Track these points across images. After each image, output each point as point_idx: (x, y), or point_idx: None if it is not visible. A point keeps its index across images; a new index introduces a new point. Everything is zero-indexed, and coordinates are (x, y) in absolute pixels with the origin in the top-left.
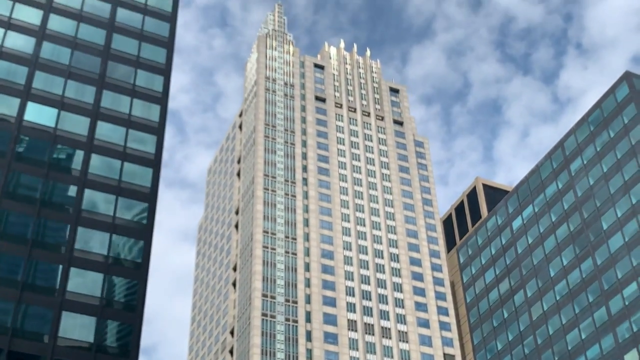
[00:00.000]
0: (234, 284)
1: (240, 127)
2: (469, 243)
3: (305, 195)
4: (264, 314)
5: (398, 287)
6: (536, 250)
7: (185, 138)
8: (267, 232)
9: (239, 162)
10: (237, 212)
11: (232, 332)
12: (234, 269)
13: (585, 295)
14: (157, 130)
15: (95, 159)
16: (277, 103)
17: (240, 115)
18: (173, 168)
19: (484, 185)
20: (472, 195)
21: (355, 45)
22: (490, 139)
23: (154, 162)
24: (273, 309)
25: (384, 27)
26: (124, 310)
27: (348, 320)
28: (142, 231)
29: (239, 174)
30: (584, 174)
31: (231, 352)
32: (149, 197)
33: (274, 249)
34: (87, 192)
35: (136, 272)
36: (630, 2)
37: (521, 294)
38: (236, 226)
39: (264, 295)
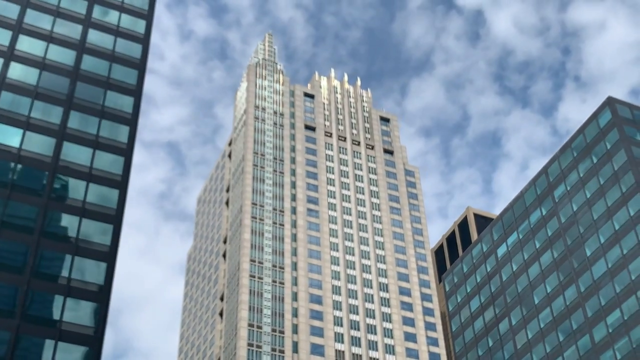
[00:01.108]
0: (221, 314)
1: (229, 155)
2: (454, 271)
3: (294, 224)
4: (250, 344)
5: (387, 317)
6: (520, 277)
7: (185, 170)
8: (255, 261)
9: (227, 190)
10: (225, 241)
11: None
12: (221, 299)
13: (569, 322)
14: (125, 151)
15: (61, 179)
16: (267, 132)
17: (230, 144)
18: (172, 200)
19: (475, 215)
20: (463, 224)
21: (345, 75)
22: (490, 172)
23: (121, 184)
24: (259, 339)
25: (383, 60)
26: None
27: (336, 350)
28: (106, 253)
29: (227, 203)
30: (568, 200)
31: None
32: (115, 218)
33: (261, 278)
34: (51, 213)
35: (99, 295)
36: (628, 36)
37: (506, 322)
38: (224, 255)
39: (250, 325)
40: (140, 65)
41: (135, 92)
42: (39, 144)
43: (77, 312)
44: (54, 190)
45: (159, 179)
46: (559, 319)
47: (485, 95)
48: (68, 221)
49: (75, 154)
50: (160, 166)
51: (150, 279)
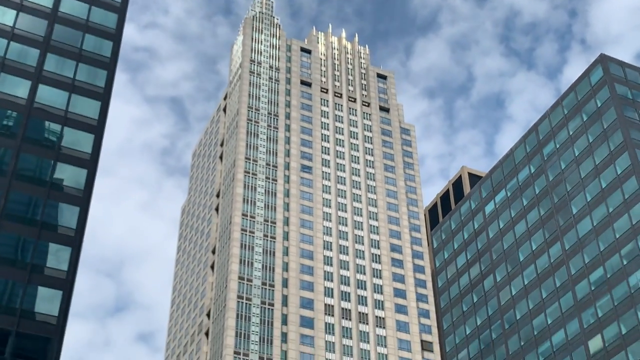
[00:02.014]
0: (212, 267)
1: (224, 110)
2: (442, 228)
3: (287, 180)
4: (240, 297)
5: (377, 274)
6: (507, 234)
7: (188, 126)
8: (247, 216)
9: (222, 145)
10: (218, 195)
11: (208, 315)
12: (213, 252)
13: (552, 279)
14: (102, 96)
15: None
16: (262, 86)
17: (225, 98)
18: (174, 156)
19: (470, 175)
20: (457, 184)
21: (343, 31)
22: (492, 134)
23: (96, 128)
24: (249, 292)
25: (388, 19)
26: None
27: (325, 304)
28: (80, 198)
29: (221, 157)
30: (557, 158)
31: (207, 334)
32: (89, 163)
33: (253, 232)
34: (23, 155)
35: (71, 239)
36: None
37: (491, 278)
38: (217, 209)
39: (241, 278)
40: (120, 9)
41: (115, 36)
42: (14, 86)
43: (50, 256)
44: (28, 132)
45: (162, 134)
46: (543, 277)
47: (490, 56)
48: (42, 164)
49: (51, 97)
50: (163, 121)
51: (152, 234)
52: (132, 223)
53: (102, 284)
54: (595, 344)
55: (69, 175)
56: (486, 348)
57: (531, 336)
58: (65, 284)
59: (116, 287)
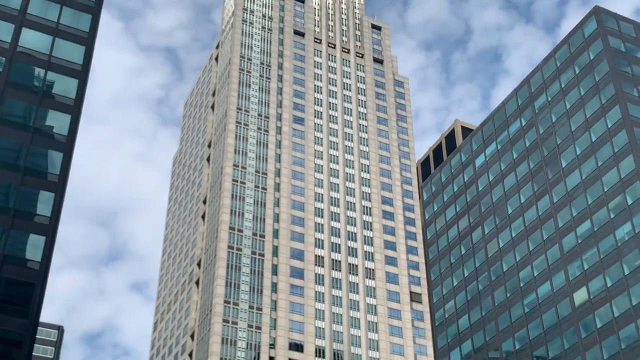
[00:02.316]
0: (203, 217)
1: (216, 59)
2: (433, 180)
3: (279, 131)
4: (230, 247)
5: (368, 226)
6: (496, 187)
7: (182, 76)
8: (238, 166)
9: (213, 94)
10: (209, 145)
11: (199, 264)
12: (204, 202)
13: (540, 232)
14: (87, 40)
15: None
16: (254, 35)
17: (217, 47)
18: (169, 106)
19: (463, 128)
20: (450, 137)
21: None
22: (489, 87)
23: (81, 73)
24: (240, 242)
25: None
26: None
27: (315, 256)
28: (64, 144)
29: (213, 107)
30: (548, 110)
31: (197, 283)
32: (73, 108)
33: (244, 183)
34: (7, 100)
35: (54, 184)
36: None
37: (479, 231)
38: (208, 159)
39: (231, 229)
40: None
41: None
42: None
43: (33, 202)
44: (11, 77)
45: (157, 84)
46: (531, 229)
47: (488, 9)
48: (25, 109)
49: (35, 41)
50: (158, 71)
51: (146, 184)
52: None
53: (96, 234)
54: (580, 296)
55: (52, 120)
56: (473, 299)
57: (517, 288)
58: (48, 229)
59: (110, 237)
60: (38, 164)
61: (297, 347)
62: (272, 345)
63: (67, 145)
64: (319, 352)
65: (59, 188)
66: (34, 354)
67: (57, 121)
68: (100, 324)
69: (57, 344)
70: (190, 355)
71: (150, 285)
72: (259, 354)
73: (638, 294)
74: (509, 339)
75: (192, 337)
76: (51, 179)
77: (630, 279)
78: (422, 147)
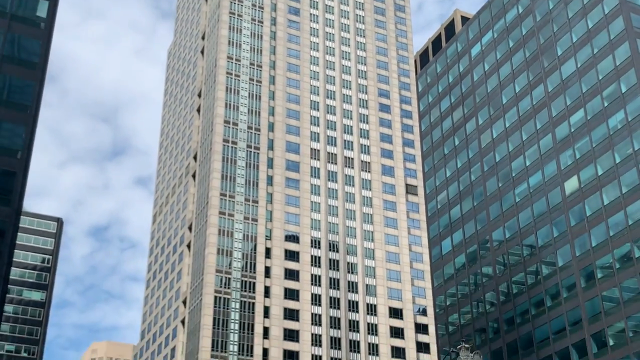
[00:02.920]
0: (199, 110)
1: None
2: (428, 71)
3: (274, 22)
4: (225, 140)
5: (364, 118)
6: (491, 77)
7: None
8: (232, 58)
9: None
10: (203, 38)
11: (195, 157)
12: (199, 95)
13: (533, 122)
14: None
15: None
16: None
17: None
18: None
19: (463, 17)
20: (449, 28)
21: None
22: None
23: None
24: (235, 136)
25: None
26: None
27: (311, 149)
28: (42, 31)
29: None
30: None
31: (194, 176)
32: None
33: (238, 76)
34: None
35: (33, 73)
36: None
37: (473, 122)
38: (202, 52)
39: (226, 122)
40: None
41: None
42: None
43: (13, 91)
44: None
45: None
46: (524, 119)
47: None
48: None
49: None
50: None
51: (146, 79)
52: (127, 68)
53: (98, 129)
54: (571, 185)
55: (31, 6)
56: (465, 190)
57: (509, 178)
58: (29, 118)
59: (113, 132)
60: (17, 51)
61: (292, 238)
62: (268, 237)
63: (45, 32)
64: (315, 243)
65: (38, 75)
66: (33, 244)
67: (36, 7)
68: (106, 218)
69: (57, 236)
70: (189, 246)
71: (154, 180)
72: (255, 245)
73: (628, 182)
74: (499, 228)
75: (189, 228)
76: (30, 67)
77: (621, 168)
78: (423, 40)
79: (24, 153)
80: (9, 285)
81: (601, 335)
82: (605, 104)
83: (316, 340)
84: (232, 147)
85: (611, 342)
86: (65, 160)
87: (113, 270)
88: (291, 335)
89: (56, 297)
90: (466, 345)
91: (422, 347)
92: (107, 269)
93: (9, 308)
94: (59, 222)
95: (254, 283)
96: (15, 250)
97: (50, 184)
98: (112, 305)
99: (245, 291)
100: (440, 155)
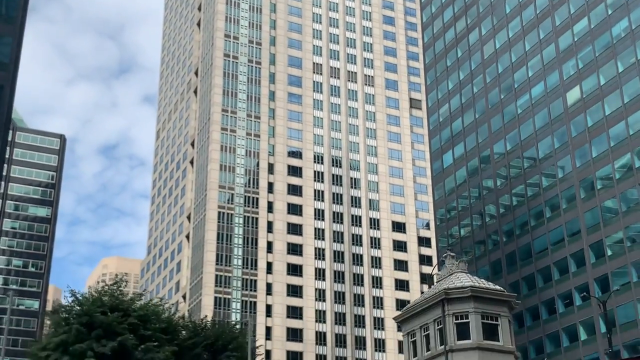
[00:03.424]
0: (199, 24)
1: None
2: None
3: None
4: (226, 55)
5: (368, 31)
6: None
7: None
8: None
9: None
10: None
11: (196, 73)
12: (199, 9)
13: (537, 32)
14: None
15: None
16: None
17: None
18: None
19: None
20: None
21: None
22: None
23: None
24: (236, 50)
25: None
26: None
27: (314, 63)
28: None
29: None
30: None
31: (195, 92)
32: None
33: None
34: None
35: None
36: None
37: (476, 32)
38: None
39: (227, 36)
40: None
41: None
42: None
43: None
44: None
45: None
46: (528, 29)
47: None
48: None
49: None
50: None
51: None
52: None
53: (104, 46)
54: (573, 95)
55: None
56: (467, 102)
57: (511, 89)
58: (15, 29)
59: (119, 49)
60: None
61: (295, 154)
62: (271, 153)
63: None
64: (317, 158)
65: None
66: (37, 161)
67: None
68: (115, 137)
69: (60, 153)
70: (192, 162)
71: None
72: (258, 161)
73: (631, 91)
74: (500, 141)
75: (192, 145)
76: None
77: (624, 77)
78: None
79: (10, 66)
80: (15, 202)
81: (599, 246)
82: (610, 12)
83: (319, 254)
84: (233, 62)
85: (609, 252)
86: (72, 78)
87: (123, 188)
88: (294, 249)
89: (68, 215)
90: (452, 254)
91: (425, 260)
92: (117, 187)
93: (15, 224)
94: (62, 138)
95: (257, 199)
96: (19, 167)
97: (58, 102)
98: (123, 222)
99: (248, 206)
100: (442, 68)
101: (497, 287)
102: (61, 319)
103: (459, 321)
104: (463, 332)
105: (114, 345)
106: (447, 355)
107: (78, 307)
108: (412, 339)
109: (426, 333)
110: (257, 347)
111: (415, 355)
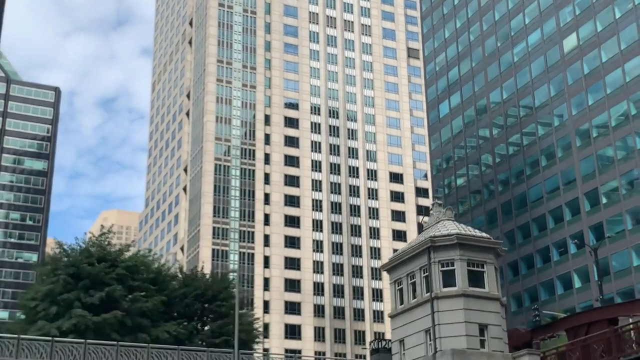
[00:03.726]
0: None
1: None
2: None
3: None
4: (220, 4)
5: None
6: None
7: None
8: None
9: None
10: None
11: (191, 23)
12: None
13: None
14: None
15: None
16: None
17: None
18: None
19: None
20: None
21: None
22: None
23: None
24: (230, 0)
25: None
26: None
27: (309, 12)
28: None
29: None
30: None
31: (190, 43)
32: None
33: None
34: None
35: None
36: None
37: None
38: None
39: (221, 6)
40: None
41: None
42: None
43: None
44: None
45: None
46: None
47: None
48: None
49: None
50: None
51: None
52: None
53: None
54: (570, 42)
55: None
56: (463, 51)
57: (508, 37)
58: None
59: (116, 1)
60: None
61: (292, 105)
62: (267, 104)
63: None
64: (314, 109)
65: None
66: (32, 114)
67: None
68: (114, 89)
69: (55, 105)
70: (187, 114)
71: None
72: (254, 112)
73: (628, 38)
74: (496, 89)
75: (188, 96)
76: None
77: (621, 23)
78: None
79: None
80: (11, 155)
81: (594, 194)
82: None
83: (317, 205)
84: (227, 11)
85: (604, 200)
86: (69, 31)
87: (123, 141)
88: (292, 201)
89: (69, 168)
90: (439, 202)
91: (422, 211)
92: (117, 140)
93: (12, 177)
94: (57, 91)
95: (253, 150)
96: (14, 120)
97: (56, 56)
98: (124, 176)
99: (245, 158)
100: (439, 16)
101: (484, 234)
102: (49, 270)
103: (445, 268)
104: (449, 279)
105: (101, 295)
106: (433, 302)
107: (65, 259)
108: (399, 287)
109: (412, 281)
110: (255, 320)
111: (402, 302)
